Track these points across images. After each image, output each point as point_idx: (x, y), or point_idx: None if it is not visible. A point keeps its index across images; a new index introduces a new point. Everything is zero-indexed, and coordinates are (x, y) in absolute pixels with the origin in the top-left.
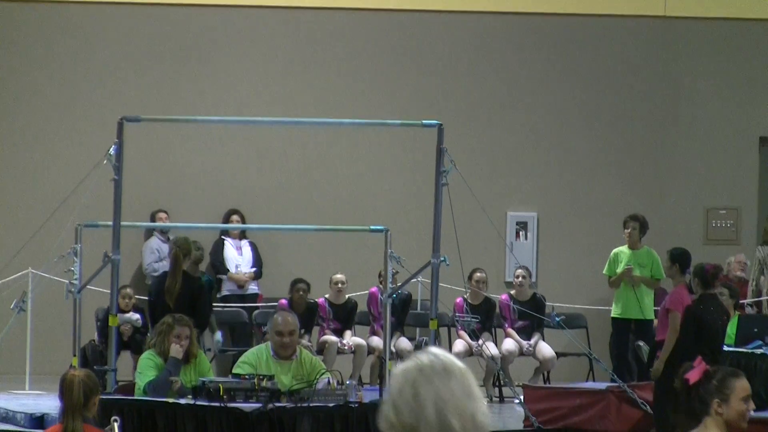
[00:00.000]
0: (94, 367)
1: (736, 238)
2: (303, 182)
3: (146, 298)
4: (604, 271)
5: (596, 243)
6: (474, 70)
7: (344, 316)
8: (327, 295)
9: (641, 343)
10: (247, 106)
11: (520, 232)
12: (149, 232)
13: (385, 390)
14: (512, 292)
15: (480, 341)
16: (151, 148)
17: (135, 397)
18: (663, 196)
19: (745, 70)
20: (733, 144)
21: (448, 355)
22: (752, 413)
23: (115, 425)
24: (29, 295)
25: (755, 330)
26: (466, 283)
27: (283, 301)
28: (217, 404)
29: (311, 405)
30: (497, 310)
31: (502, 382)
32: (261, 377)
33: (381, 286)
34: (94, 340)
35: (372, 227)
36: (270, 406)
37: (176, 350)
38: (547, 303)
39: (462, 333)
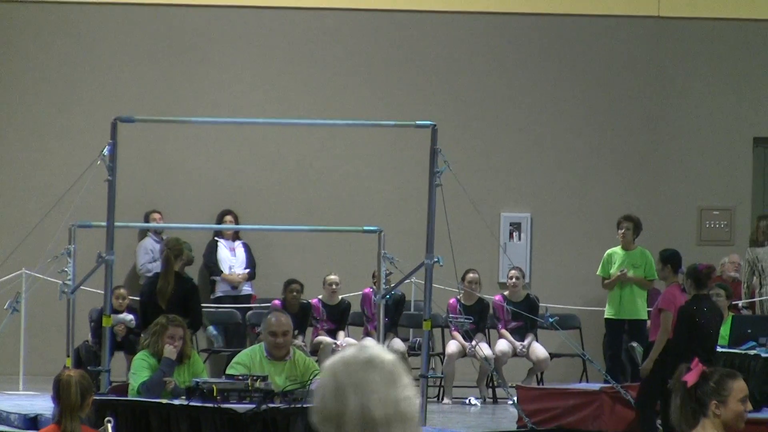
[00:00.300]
0: (88, 367)
1: (730, 238)
2: (297, 183)
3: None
4: (597, 272)
5: (590, 244)
6: (468, 70)
7: (338, 316)
8: (321, 296)
9: (635, 344)
10: (242, 107)
11: (514, 233)
12: (143, 233)
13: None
14: (506, 292)
15: (473, 342)
16: (145, 149)
17: (129, 398)
18: (657, 197)
19: (739, 71)
20: (726, 144)
21: (376, 347)
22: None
23: (109, 426)
24: (23, 296)
25: (749, 331)
26: (459, 283)
27: (277, 302)
28: (210, 405)
29: (305, 405)
30: (491, 310)
31: (495, 382)
32: (255, 378)
33: (375, 286)
34: (87, 341)
35: (365, 228)
36: (264, 406)
37: (170, 351)
38: (541, 304)
39: (455, 334)
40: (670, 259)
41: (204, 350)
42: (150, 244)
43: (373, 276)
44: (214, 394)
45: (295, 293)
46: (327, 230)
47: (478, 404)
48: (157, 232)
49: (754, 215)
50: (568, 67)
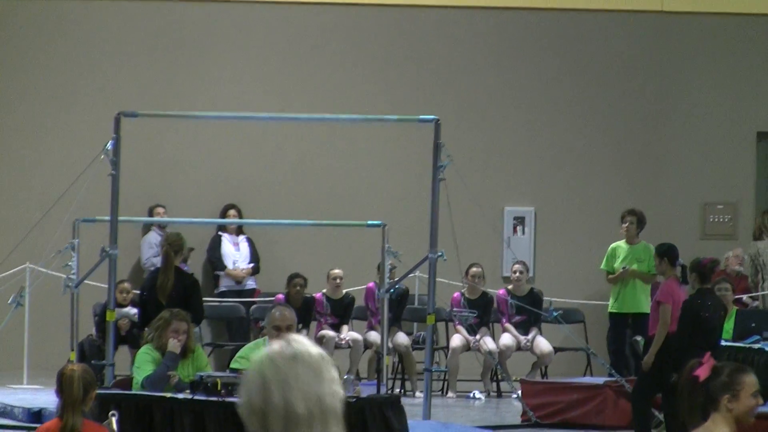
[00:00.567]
0: (92, 361)
1: (734, 233)
2: (300, 177)
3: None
4: (601, 266)
5: (594, 238)
6: (471, 65)
7: (341, 311)
8: (324, 290)
9: (638, 338)
10: (244, 102)
11: (518, 227)
12: (147, 227)
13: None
14: (509, 287)
15: (477, 336)
16: (148, 143)
17: (132, 392)
18: (660, 192)
19: (743, 65)
20: (730, 139)
21: (304, 341)
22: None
23: (113, 419)
24: (27, 290)
25: (753, 324)
26: (463, 278)
27: (280, 296)
28: (214, 399)
29: None
30: (495, 305)
31: (499, 377)
32: None
33: (378, 281)
34: (91, 335)
35: (369, 222)
36: None
37: (174, 345)
38: (545, 298)
39: (459, 328)
40: (666, 253)
41: (208, 344)
42: (154, 238)
43: (377, 270)
44: (218, 388)
45: (298, 288)
46: (330, 225)
47: (482, 398)
48: (161, 227)
49: (758, 209)
50: (571, 62)
